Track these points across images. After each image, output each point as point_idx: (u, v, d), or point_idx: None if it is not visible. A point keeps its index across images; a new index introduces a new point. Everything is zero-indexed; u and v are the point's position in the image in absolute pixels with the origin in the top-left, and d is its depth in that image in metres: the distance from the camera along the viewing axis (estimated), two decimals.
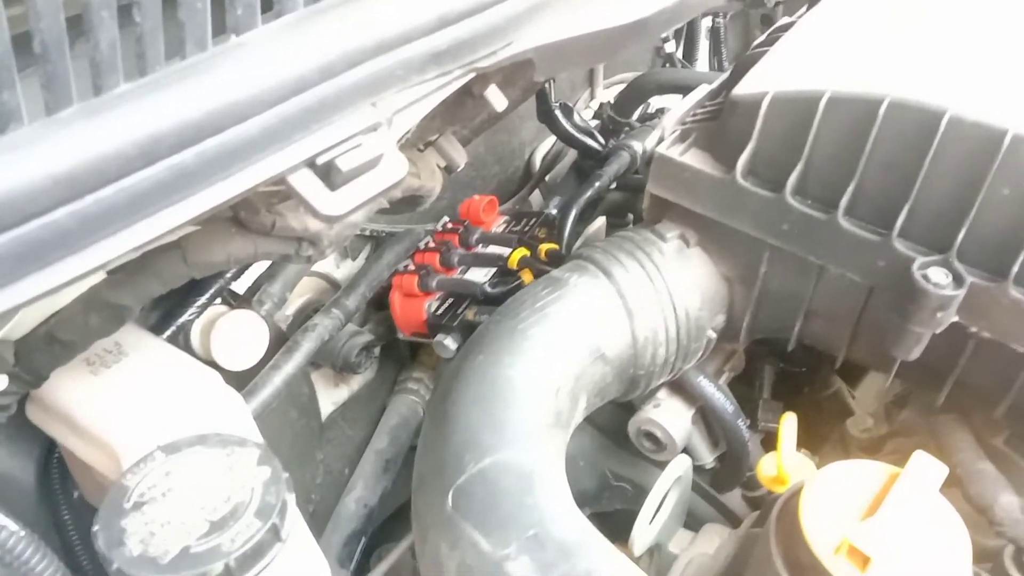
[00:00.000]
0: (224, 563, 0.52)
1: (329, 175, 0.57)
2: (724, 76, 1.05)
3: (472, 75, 0.66)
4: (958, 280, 0.72)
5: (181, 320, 0.90)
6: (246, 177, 0.53)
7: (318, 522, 1.12)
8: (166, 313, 0.90)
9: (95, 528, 0.54)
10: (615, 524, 0.86)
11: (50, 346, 0.70)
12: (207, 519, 0.54)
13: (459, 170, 0.99)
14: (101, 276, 0.67)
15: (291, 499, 0.57)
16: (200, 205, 0.51)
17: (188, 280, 0.70)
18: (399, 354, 1.29)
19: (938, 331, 0.74)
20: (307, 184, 0.56)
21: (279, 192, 0.66)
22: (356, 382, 1.24)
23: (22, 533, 0.58)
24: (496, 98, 0.76)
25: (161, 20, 0.49)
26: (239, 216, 0.68)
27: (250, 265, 0.99)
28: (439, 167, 0.97)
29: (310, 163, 0.56)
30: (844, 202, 0.77)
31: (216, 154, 0.51)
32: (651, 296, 0.87)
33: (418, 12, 0.60)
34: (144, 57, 0.49)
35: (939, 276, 0.72)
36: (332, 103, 0.56)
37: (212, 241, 0.68)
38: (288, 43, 0.55)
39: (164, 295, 0.72)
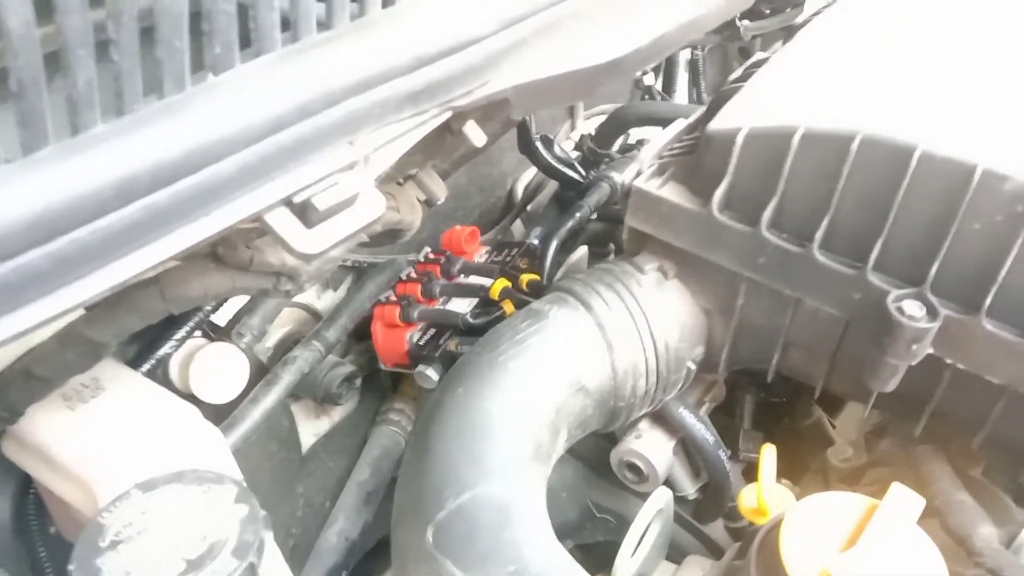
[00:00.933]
0: None
1: (305, 213, 0.57)
2: (701, 110, 1.06)
3: (449, 113, 0.67)
4: (932, 313, 0.73)
5: (160, 353, 0.90)
6: (222, 216, 0.53)
7: (299, 556, 1.11)
8: (144, 346, 0.90)
9: (70, 567, 0.53)
10: (598, 556, 0.86)
11: (26, 382, 0.69)
12: (184, 558, 0.53)
13: (439, 203, 1.00)
14: (78, 312, 0.67)
15: (269, 537, 0.56)
16: (175, 245, 0.51)
17: (166, 315, 0.70)
18: (381, 385, 1.28)
19: (914, 363, 0.75)
20: (283, 222, 0.57)
21: (257, 228, 0.66)
22: (337, 413, 1.23)
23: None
24: (475, 134, 0.76)
25: (139, 59, 0.49)
26: (217, 251, 0.68)
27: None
28: (419, 200, 0.97)
29: (287, 202, 0.57)
30: (819, 236, 0.78)
31: (192, 194, 0.51)
32: (630, 328, 0.87)
33: (395, 53, 0.60)
34: (122, 96, 0.49)
35: (913, 309, 0.73)
36: (309, 142, 0.56)
37: (189, 276, 0.68)
38: (266, 82, 0.55)
39: (142, 328, 0.71)
